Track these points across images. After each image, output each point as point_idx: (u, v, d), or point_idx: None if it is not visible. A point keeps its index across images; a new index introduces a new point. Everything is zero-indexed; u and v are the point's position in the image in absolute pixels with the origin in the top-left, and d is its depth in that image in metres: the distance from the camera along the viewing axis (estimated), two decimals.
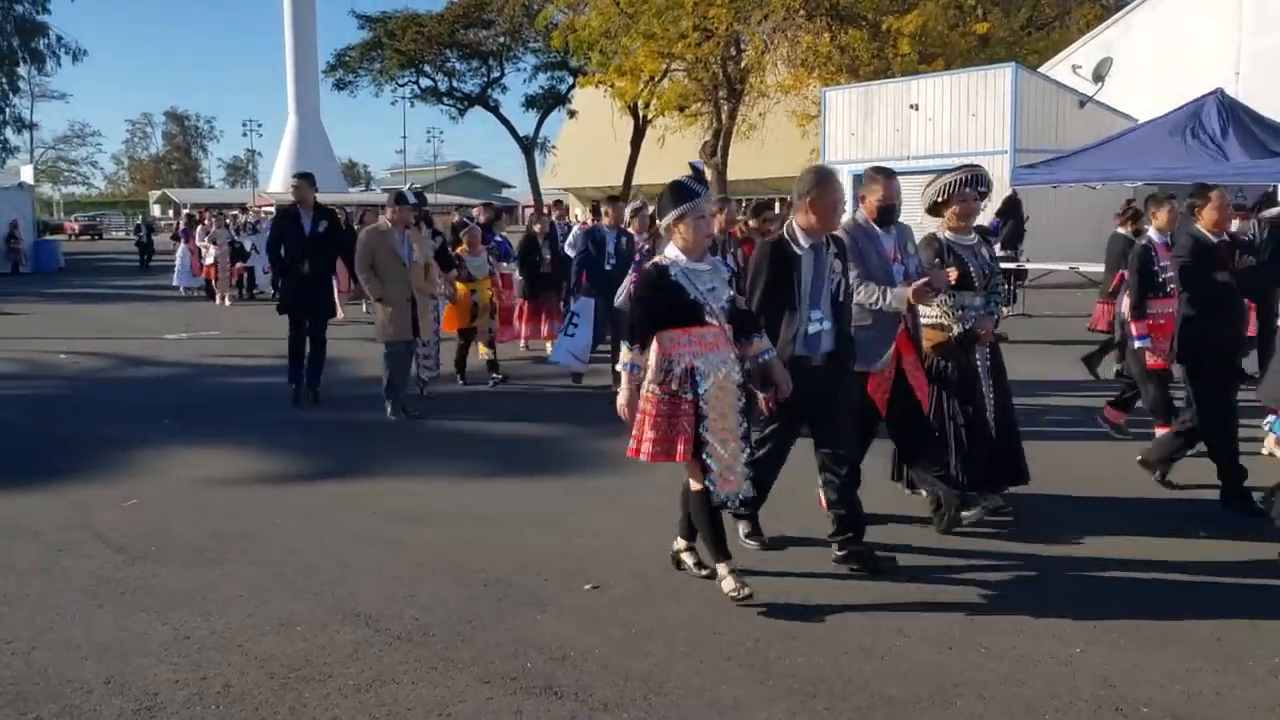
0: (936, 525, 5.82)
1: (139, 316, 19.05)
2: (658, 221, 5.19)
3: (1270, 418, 7.59)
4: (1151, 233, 7.65)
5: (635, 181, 39.93)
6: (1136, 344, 7.30)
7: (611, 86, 35.69)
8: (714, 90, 33.30)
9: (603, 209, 10.98)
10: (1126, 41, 25.19)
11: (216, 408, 10.12)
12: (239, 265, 21.92)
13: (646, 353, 4.80)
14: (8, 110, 57.66)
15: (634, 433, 4.86)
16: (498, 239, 12.77)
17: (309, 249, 9.82)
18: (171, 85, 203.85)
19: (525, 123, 52.03)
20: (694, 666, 4.25)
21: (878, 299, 5.49)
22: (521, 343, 13.13)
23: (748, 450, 4.88)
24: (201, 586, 5.18)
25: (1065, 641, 4.45)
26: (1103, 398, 8.78)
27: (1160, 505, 6.47)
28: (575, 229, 14.67)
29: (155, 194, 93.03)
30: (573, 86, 46.04)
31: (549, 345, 12.90)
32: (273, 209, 47.82)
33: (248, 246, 21.76)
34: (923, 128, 23.46)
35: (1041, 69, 26.13)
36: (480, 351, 11.35)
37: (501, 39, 47.16)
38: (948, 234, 6.07)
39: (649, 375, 4.81)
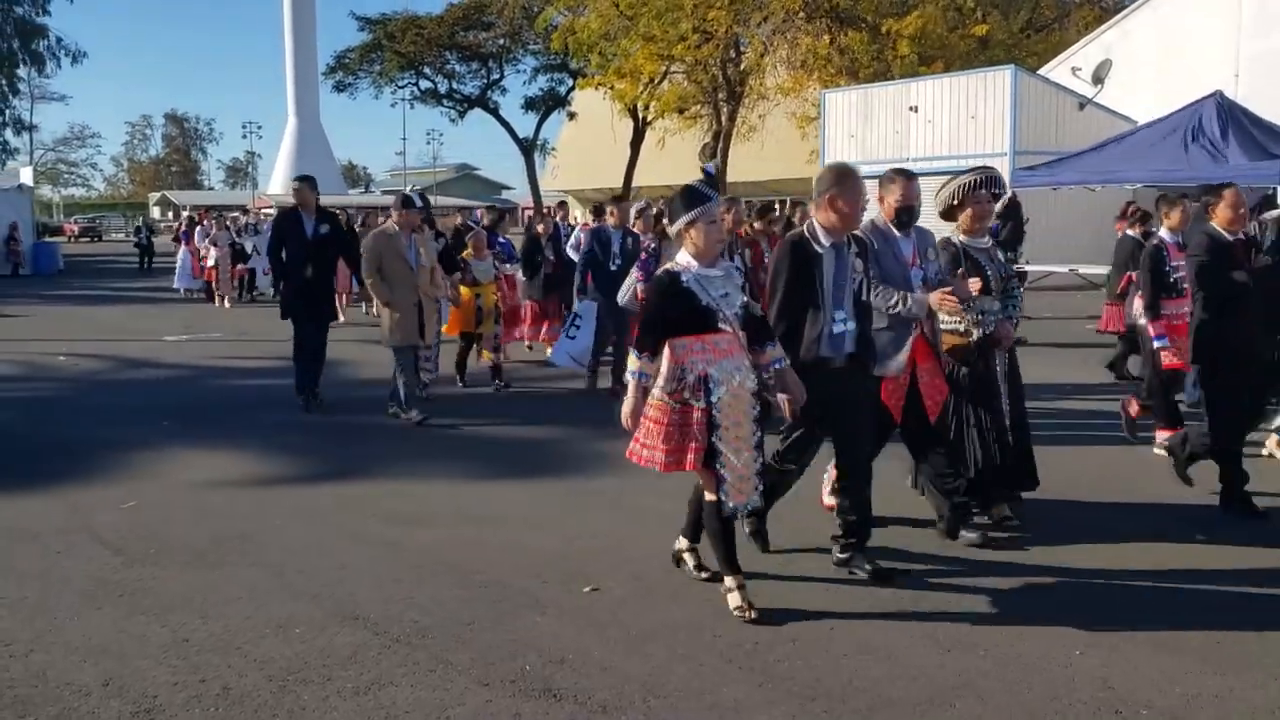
0: (939, 531, 5.81)
1: (138, 318, 19.05)
2: (668, 226, 5.15)
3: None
4: (1163, 232, 7.61)
5: (635, 183, 39.95)
6: (1155, 344, 7.29)
7: (611, 89, 35.72)
8: (713, 92, 33.32)
9: (608, 210, 10.92)
10: (1126, 43, 25.21)
11: (216, 409, 10.11)
12: (239, 266, 21.91)
13: (656, 361, 4.72)
14: (7, 112, 57.62)
15: (642, 440, 4.76)
16: (501, 241, 12.75)
17: (311, 253, 9.72)
18: (171, 87, 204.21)
19: (525, 125, 52.13)
20: (693, 669, 4.24)
21: (897, 303, 5.38)
22: (525, 342, 13.13)
23: (760, 460, 4.80)
24: (200, 588, 5.18)
25: (1065, 644, 4.44)
26: (1102, 400, 8.77)
27: (1160, 508, 6.47)
28: (577, 230, 14.68)
29: (155, 196, 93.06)
30: (572, 88, 46.07)
31: (548, 348, 12.91)
32: (272, 210, 47.86)
33: (248, 248, 21.75)
34: (922, 130, 23.46)
35: (1041, 71, 26.15)
36: (484, 356, 11.26)
37: (501, 41, 47.19)
38: (962, 238, 5.97)
39: (659, 383, 4.72)
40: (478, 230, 11.91)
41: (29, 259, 32.42)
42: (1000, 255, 6.19)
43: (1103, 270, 17.29)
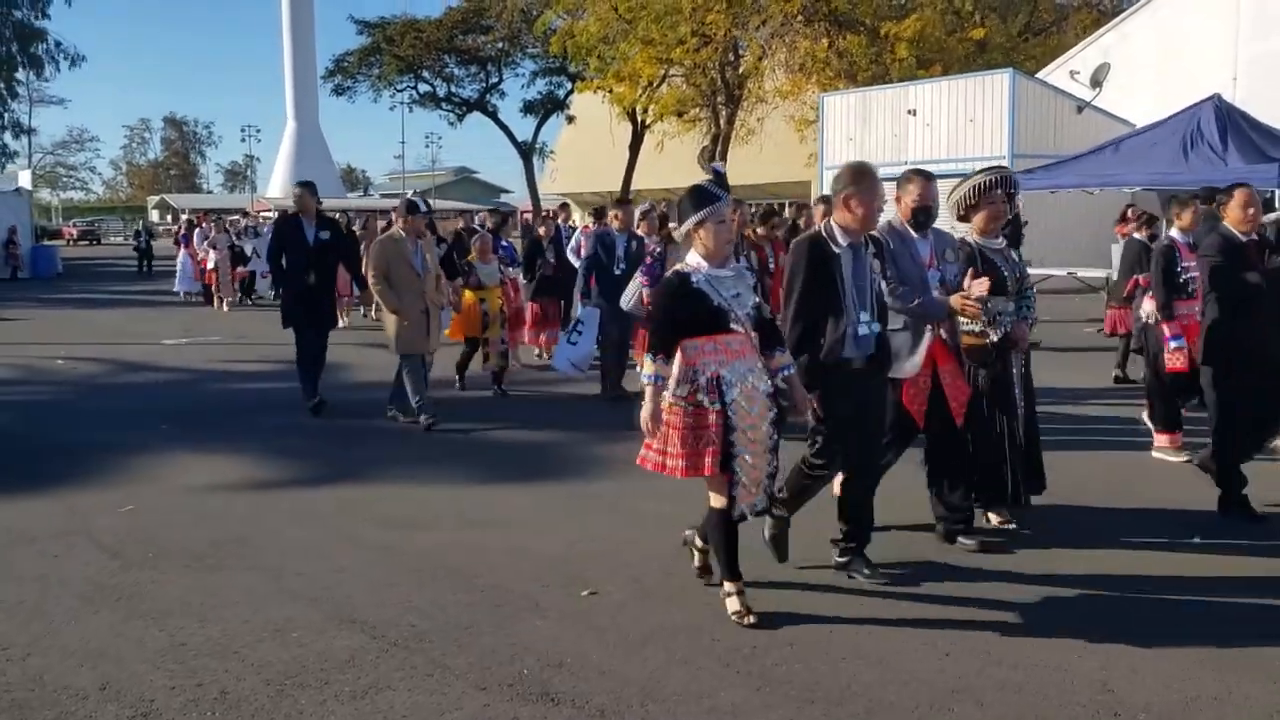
0: (938, 535, 5.80)
1: (137, 321, 19.04)
2: (677, 227, 5.10)
3: None
4: (1174, 233, 7.56)
5: (634, 187, 39.96)
6: (1171, 345, 7.27)
7: (610, 92, 35.74)
8: (712, 95, 33.34)
9: (612, 213, 10.85)
10: (1124, 46, 25.23)
11: (215, 413, 10.10)
12: (239, 269, 21.91)
13: (670, 363, 4.65)
14: (6, 115, 57.66)
15: (655, 445, 4.70)
16: (504, 245, 12.70)
17: (312, 259, 9.64)
18: (170, 91, 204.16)
19: (524, 128, 52.18)
20: (691, 673, 4.24)
21: (916, 304, 5.32)
22: (536, 351, 13.01)
23: (775, 464, 4.74)
24: (198, 592, 5.17)
25: (1063, 647, 4.44)
26: (1101, 404, 8.77)
27: (1158, 511, 6.46)
28: (578, 233, 14.67)
29: (154, 199, 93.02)
30: (571, 92, 46.09)
31: (547, 352, 12.88)
32: (271, 214, 47.84)
33: (248, 250, 21.75)
34: (920, 133, 23.48)
35: (1039, 74, 26.17)
36: (489, 361, 11.14)
37: (500, 44, 47.22)
38: (977, 238, 5.91)
39: (670, 386, 4.66)
40: (483, 233, 11.86)
41: (27, 262, 32.40)
42: (1015, 256, 6.13)
43: (1101, 273, 17.34)
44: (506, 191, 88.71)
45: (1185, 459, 7.62)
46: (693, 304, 4.64)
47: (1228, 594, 5.11)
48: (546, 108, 50.01)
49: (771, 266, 9.56)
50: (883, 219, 5.41)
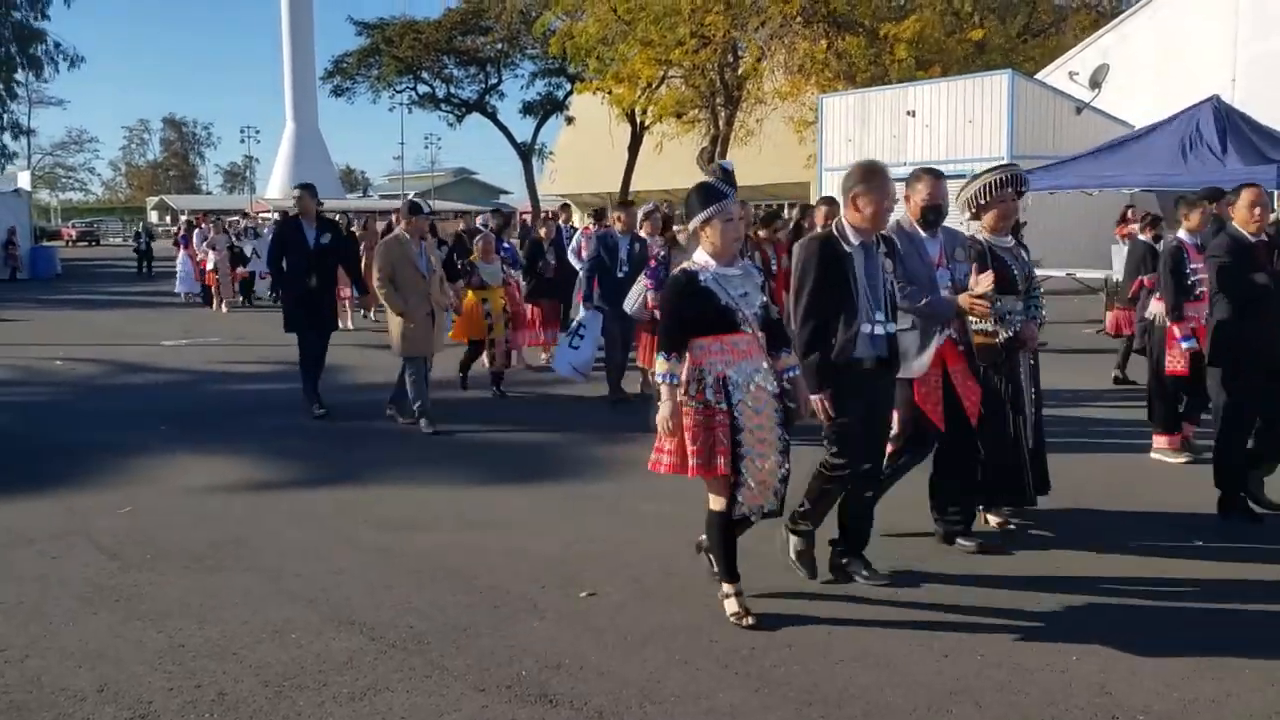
0: (936, 536, 5.80)
1: (136, 323, 19.04)
2: (685, 224, 5.06)
3: None
4: (1182, 234, 7.49)
5: (633, 188, 39.96)
6: (1183, 345, 7.24)
7: (609, 93, 35.73)
8: (711, 97, 33.34)
9: (614, 215, 10.79)
10: (1123, 47, 25.23)
11: (214, 414, 10.10)
12: (239, 270, 21.91)
13: (683, 362, 4.61)
14: (5, 116, 57.59)
15: (667, 447, 4.67)
16: (505, 246, 12.60)
17: (313, 262, 9.57)
18: (169, 92, 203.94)
19: (523, 129, 52.16)
20: (690, 674, 4.24)
21: (924, 304, 5.28)
22: (543, 354, 12.93)
23: (786, 466, 4.65)
24: (197, 594, 5.17)
25: (1062, 649, 4.44)
26: (1101, 406, 8.76)
27: (1157, 514, 6.47)
28: (578, 234, 14.65)
29: (153, 200, 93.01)
30: (570, 93, 46.08)
31: (545, 353, 12.86)
32: (269, 214, 47.85)
33: (247, 251, 21.74)
34: (919, 134, 23.48)
35: (1038, 75, 26.17)
36: (494, 361, 11.10)
37: (499, 46, 47.20)
38: (986, 236, 5.89)
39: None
40: (486, 232, 11.82)
41: (26, 263, 32.38)
42: (1025, 254, 6.10)
43: (1100, 274, 17.33)
44: (506, 192, 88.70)
45: (1184, 460, 7.63)
46: (700, 302, 4.59)
47: (1227, 596, 5.11)
48: (546, 109, 50.00)
49: (774, 269, 9.54)
50: (891, 218, 5.35)
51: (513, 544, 5.91)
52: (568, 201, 24.85)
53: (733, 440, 4.55)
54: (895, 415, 5.51)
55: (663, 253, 9.19)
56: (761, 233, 9.99)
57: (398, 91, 51.04)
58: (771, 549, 5.35)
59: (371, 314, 16.73)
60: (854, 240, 4.95)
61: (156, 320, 19.43)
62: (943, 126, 23.09)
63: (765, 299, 4.79)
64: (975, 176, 6.01)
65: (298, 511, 6.64)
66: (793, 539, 5.24)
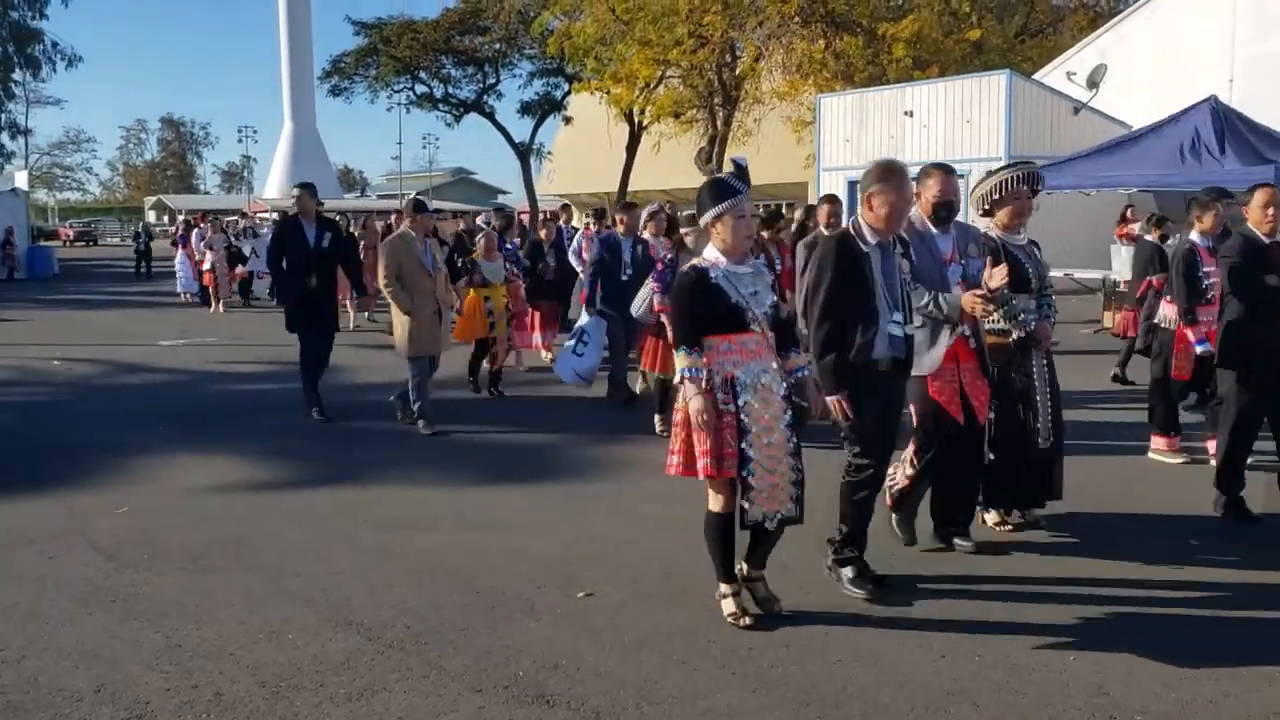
0: (933, 537, 5.78)
1: (134, 323, 19.03)
2: (689, 231, 5.03)
3: None
4: (1194, 235, 7.38)
5: (631, 187, 39.93)
6: (1197, 349, 7.18)
7: (607, 93, 35.69)
8: (709, 97, 33.31)
9: (617, 217, 10.71)
10: (1121, 48, 25.22)
11: (213, 414, 10.09)
12: (238, 270, 21.88)
13: (702, 355, 4.54)
14: (2, 116, 57.52)
15: (677, 448, 4.63)
16: (507, 246, 12.52)
17: (313, 262, 9.47)
18: (167, 91, 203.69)
19: (521, 129, 52.05)
20: (687, 675, 4.24)
21: (929, 303, 5.23)
22: (546, 356, 12.88)
23: (798, 467, 4.59)
24: (194, 594, 5.17)
25: (1059, 650, 4.44)
26: (1101, 408, 8.75)
27: (1154, 514, 6.47)
28: (579, 235, 14.62)
29: (150, 200, 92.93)
30: (568, 93, 46.01)
31: (544, 353, 12.84)
32: (267, 214, 47.76)
33: (246, 251, 21.71)
34: (917, 134, 23.47)
35: (1036, 76, 26.17)
36: (493, 361, 11.13)
37: (497, 45, 47.12)
38: (999, 233, 5.83)
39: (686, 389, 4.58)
40: (488, 230, 11.78)
41: (24, 263, 32.36)
42: (1038, 253, 6.04)
43: (1098, 275, 17.35)
44: (504, 192, 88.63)
45: (1182, 461, 7.64)
46: (710, 300, 4.53)
47: (1224, 597, 5.11)
48: (544, 109, 49.92)
49: (778, 269, 9.52)
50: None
51: (512, 544, 5.91)
52: (568, 202, 24.84)
53: (739, 443, 4.50)
54: (913, 410, 5.49)
55: (670, 255, 9.10)
56: (764, 233, 9.95)
57: (396, 91, 50.95)
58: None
59: (369, 315, 16.71)
60: (871, 239, 4.89)
61: (154, 320, 19.41)
62: (940, 126, 23.08)
63: (775, 298, 4.73)
64: (990, 173, 5.96)
65: (297, 511, 6.63)
66: (843, 572, 5.09)
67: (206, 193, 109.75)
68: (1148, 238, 10.79)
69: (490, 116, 49.65)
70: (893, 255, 4.95)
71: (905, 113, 23.79)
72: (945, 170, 5.48)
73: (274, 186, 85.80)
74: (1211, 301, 7.13)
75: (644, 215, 10.56)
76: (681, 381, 4.58)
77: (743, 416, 4.50)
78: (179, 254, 23.85)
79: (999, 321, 5.76)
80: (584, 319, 10.15)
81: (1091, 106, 23.10)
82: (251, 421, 9.63)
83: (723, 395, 4.52)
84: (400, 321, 8.87)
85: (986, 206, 5.92)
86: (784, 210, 17.99)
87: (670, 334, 8.44)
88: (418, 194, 9.75)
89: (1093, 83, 23.46)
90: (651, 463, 7.44)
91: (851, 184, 23.22)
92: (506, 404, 10.56)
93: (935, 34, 29.06)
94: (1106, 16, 32.24)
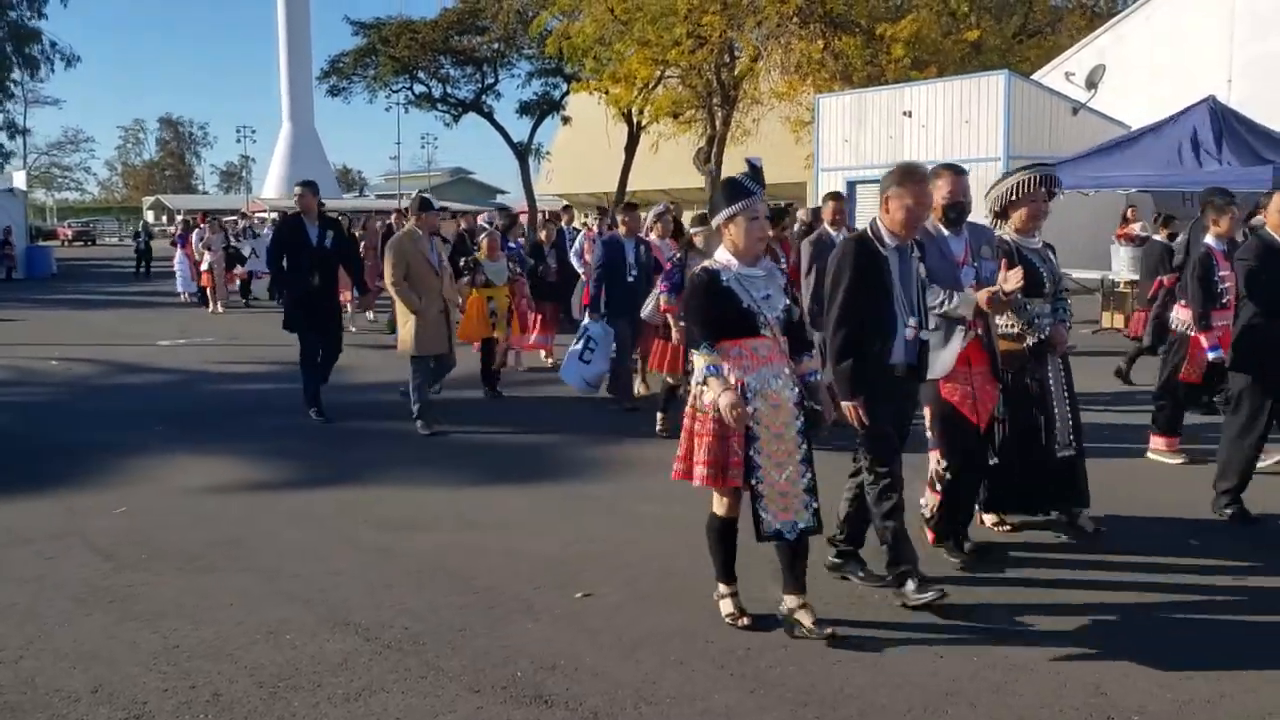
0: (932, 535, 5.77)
1: (132, 322, 19.02)
2: (693, 237, 4.97)
3: None
4: (1210, 239, 7.29)
5: (629, 188, 39.92)
6: (1210, 355, 7.10)
7: (605, 93, 35.69)
8: (708, 97, 33.30)
9: (619, 217, 10.67)
10: (1120, 48, 25.23)
11: (211, 414, 10.09)
12: (238, 270, 21.84)
13: (720, 353, 4.44)
14: (1, 116, 57.62)
15: (681, 454, 4.60)
16: (511, 245, 12.47)
17: (316, 261, 9.38)
18: (165, 91, 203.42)
19: (519, 129, 51.94)
20: (685, 675, 4.24)
21: (943, 302, 5.16)
22: (546, 358, 12.87)
23: (809, 475, 4.50)
24: (192, 594, 5.17)
25: (1056, 650, 4.44)
26: (1100, 409, 8.75)
27: (1152, 515, 6.47)
28: (581, 236, 14.59)
29: (149, 200, 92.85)
30: (567, 93, 45.99)
31: (548, 356, 12.81)
32: (266, 214, 47.70)
33: (245, 252, 21.67)
34: (916, 134, 23.47)
35: (1034, 76, 26.18)
36: (493, 362, 11.04)
37: (496, 45, 47.07)
38: (1014, 236, 5.76)
39: (694, 392, 4.54)
40: (491, 230, 11.74)
41: (22, 263, 32.34)
42: (1053, 256, 5.96)
43: (1096, 275, 17.35)
44: (502, 192, 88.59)
45: (1181, 462, 7.65)
46: (721, 303, 4.46)
47: (1221, 596, 5.12)
48: (542, 109, 49.86)
49: (783, 266, 9.50)
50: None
51: (511, 544, 5.91)
52: (568, 203, 24.81)
53: (747, 450, 4.43)
54: (927, 413, 5.45)
55: (679, 255, 9.04)
56: (769, 232, 9.92)
57: (394, 91, 50.86)
58: (769, 549, 5.35)
59: (369, 315, 16.70)
60: (890, 242, 4.81)
61: (152, 320, 19.40)
62: (939, 127, 23.08)
63: (788, 302, 4.64)
64: (1007, 174, 5.88)
65: (295, 512, 6.63)
66: (906, 589, 4.86)
67: (205, 193, 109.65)
68: (1156, 237, 10.79)
69: (489, 116, 49.60)
70: (910, 258, 4.88)
71: (904, 113, 23.80)
72: (955, 171, 5.41)
73: (272, 186, 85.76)
74: (1227, 305, 7.07)
75: (650, 217, 10.51)
76: (704, 382, 4.48)
77: (751, 424, 4.41)
78: (178, 253, 23.83)
79: (1013, 326, 5.69)
80: (587, 322, 10.03)
81: (1090, 107, 23.11)
82: (250, 422, 9.62)
83: None
84: (406, 321, 8.79)
85: (999, 208, 5.82)
86: (789, 209, 17.97)
87: (675, 333, 8.49)
88: (419, 193, 9.66)
89: (1091, 83, 23.47)
90: (650, 463, 7.46)
91: (850, 184, 23.23)
92: (505, 404, 10.55)
93: (934, 34, 29.06)
94: (1105, 17, 32.26)
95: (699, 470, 4.50)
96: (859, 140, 24.78)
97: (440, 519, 6.48)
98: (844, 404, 4.75)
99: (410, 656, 4.43)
